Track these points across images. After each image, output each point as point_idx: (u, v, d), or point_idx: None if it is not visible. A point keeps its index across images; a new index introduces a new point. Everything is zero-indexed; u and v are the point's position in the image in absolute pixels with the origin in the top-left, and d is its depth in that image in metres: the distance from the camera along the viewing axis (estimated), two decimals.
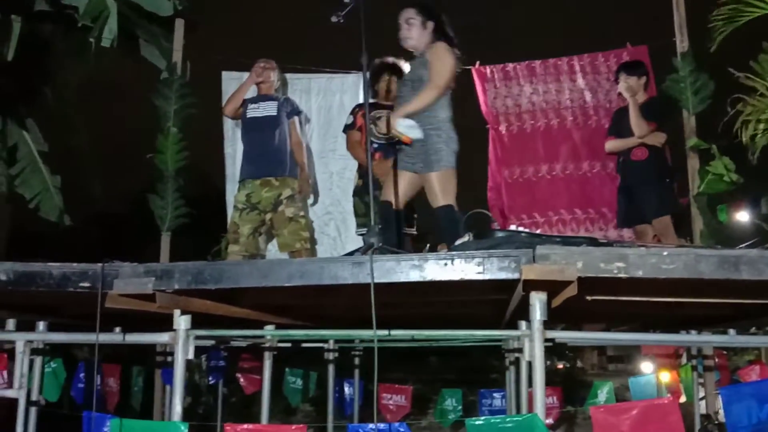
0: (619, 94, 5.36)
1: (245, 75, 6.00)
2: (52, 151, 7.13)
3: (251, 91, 5.67)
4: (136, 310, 2.73)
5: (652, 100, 5.30)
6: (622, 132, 5.23)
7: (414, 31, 4.19)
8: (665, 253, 2.40)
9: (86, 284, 2.61)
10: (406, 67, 5.15)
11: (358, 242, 5.59)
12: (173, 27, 6.15)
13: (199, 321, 2.86)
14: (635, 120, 5.09)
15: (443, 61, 4.08)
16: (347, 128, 5.37)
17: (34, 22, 6.59)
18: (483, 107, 6.10)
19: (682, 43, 5.54)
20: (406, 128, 3.95)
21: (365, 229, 5.07)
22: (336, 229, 6.07)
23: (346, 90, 6.22)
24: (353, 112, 5.40)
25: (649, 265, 2.38)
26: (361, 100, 5.99)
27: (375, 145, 5.05)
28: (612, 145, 5.33)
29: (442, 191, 4.00)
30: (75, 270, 2.64)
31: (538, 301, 2.51)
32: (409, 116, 3.99)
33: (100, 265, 2.59)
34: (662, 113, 5.20)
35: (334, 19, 3.53)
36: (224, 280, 2.54)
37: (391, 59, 5.25)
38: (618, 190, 5.34)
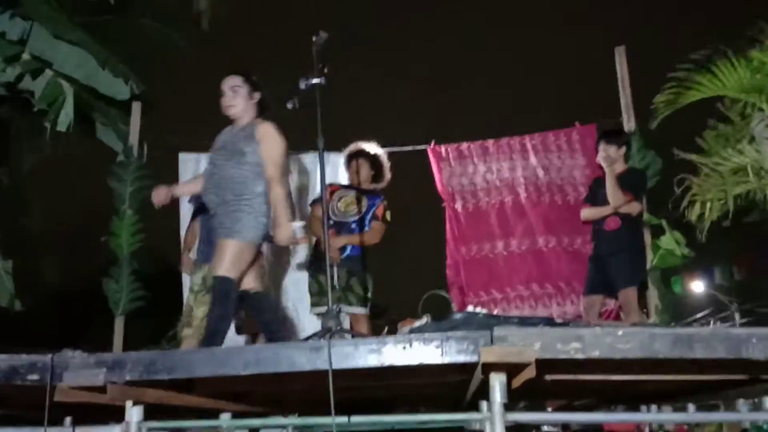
0: (598, 162, 5.33)
1: (202, 156, 6.04)
2: (6, 233, 6.99)
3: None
4: (88, 403, 2.64)
5: (630, 170, 5.31)
6: (598, 201, 5.25)
7: (239, 99, 4.16)
8: (620, 333, 2.42)
9: (35, 377, 2.52)
10: (375, 150, 5.31)
11: (314, 322, 5.55)
12: (130, 109, 6.18)
13: (153, 410, 2.77)
14: (611, 190, 5.09)
15: (277, 144, 4.09)
16: (313, 202, 5.43)
17: None
18: (439, 185, 6.19)
19: (629, 122, 5.73)
20: (299, 231, 4.03)
21: (319, 308, 5.09)
22: (294, 309, 6.02)
23: (302, 170, 6.27)
24: (323, 188, 5.46)
25: (605, 344, 2.40)
26: (317, 181, 6.07)
27: (331, 222, 5.10)
28: (587, 213, 5.35)
29: (230, 262, 3.90)
30: (23, 362, 2.55)
31: (498, 382, 2.50)
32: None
33: (49, 356, 2.51)
34: (638, 185, 5.22)
35: (289, 105, 3.60)
36: (178, 369, 2.48)
37: (364, 145, 5.38)
38: (589, 258, 5.35)
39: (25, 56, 6.07)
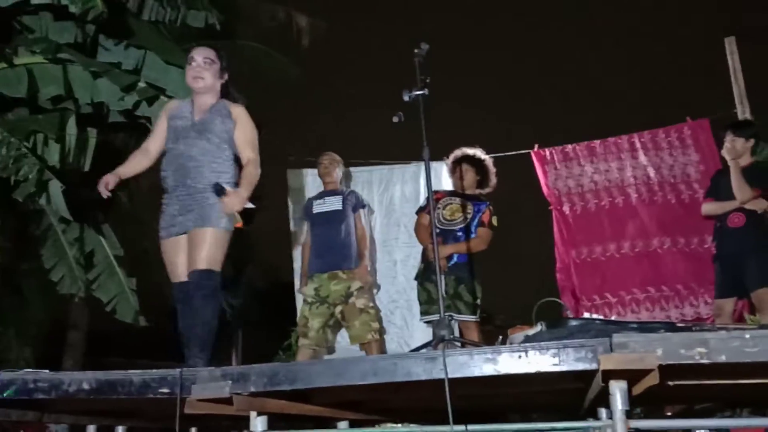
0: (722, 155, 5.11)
1: (309, 171, 6.21)
2: (127, 254, 7.38)
3: (317, 187, 5.85)
4: (213, 414, 2.76)
5: (756, 164, 5.01)
6: (721, 195, 4.99)
7: (209, 74, 3.78)
8: (747, 336, 2.32)
9: (165, 390, 2.66)
10: (481, 156, 5.31)
11: (424, 330, 5.58)
12: None
13: (273, 419, 2.87)
14: (738, 184, 4.83)
15: (252, 126, 3.80)
16: (419, 210, 5.47)
17: (108, 133, 6.95)
18: (545, 189, 6.11)
19: (743, 114, 5.49)
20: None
21: (429, 316, 5.12)
22: (402, 318, 6.08)
23: (407, 180, 6.34)
24: (427, 198, 5.51)
25: (731, 348, 2.30)
26: (421, 189, 6.13)
27: (437, 230, 5.11)
28: (709, 208, 5.08)
29: (212, 252, 3.56)
30: (154, 377, 2.70)
31: (618, 390, 2.44)
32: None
33: (178, 370, 2.64)
34: (765, 180, 4.91)
35: (395, 119, 3.63)
36: (299, 380, 2.56)
37: (469, 150, 5.38)
38: (714, 258, 5.07)
39: (141, 84, 6.39)
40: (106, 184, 3.74)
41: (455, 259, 5.10)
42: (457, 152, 5.44)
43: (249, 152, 3.72)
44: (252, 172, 3.67)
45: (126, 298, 7.08)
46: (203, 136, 3.69)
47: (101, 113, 6.56)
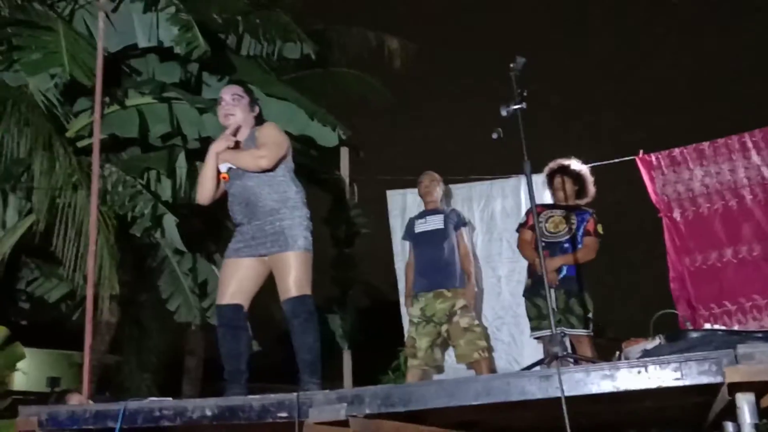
0: None
1: (408, 191, 6.25)
2: None
3: (417, 206, 5.89)
4: None
5: None
6: None
7: (239, 109, 3.82)
8: None
9: (284, 414, 2.73)
10: (577, 166, 5.22)
11: (533, 346, 5.48)
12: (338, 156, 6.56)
13: None
14: None
15: (271, 134, 3.76)
16: (520, 227, 5.41)
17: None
18: (653, 196, 5.89)
19: None
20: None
21: (539, 332, 5.03)
22: (509, 335, 5.98)
23: (507, 194, 6.26)
24: (527, 213, 5.45)
25: None
26: (522, 203, 6.05)
27: (543, 243, 5.04)
28: None
29: (304, 276, 3.59)
30: (272, 401, 2.78)
31: (746, 403, 2.33)
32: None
33: (295, 394, 2.71)
34: None
35: (494, 135, 3.62)
36: (412, 402, 2.57)
37: (564, 161, 5.30)
38: None
39: None
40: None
41: (564, 272, 4.99)
42: (553, 164, 5.36)
43: (263, 149, 3.71)
44: (256, 153, 3.69)
45: None
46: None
47: (208, 147, 6.85)
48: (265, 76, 7.23)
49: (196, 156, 6.75)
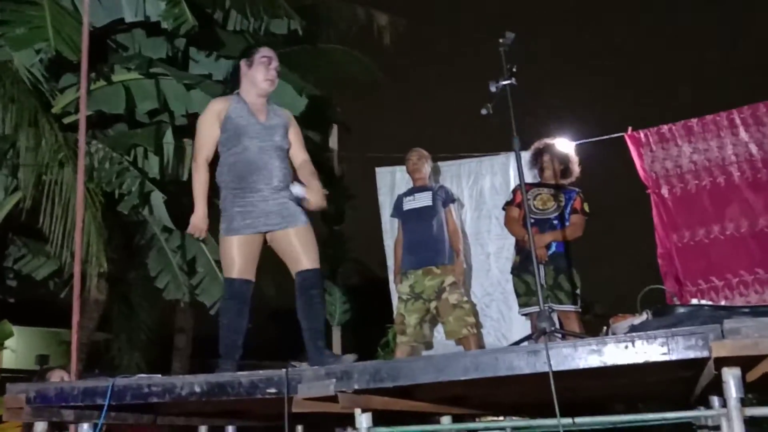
0: None
1: (398, 168, 6.24)
2: None
3: (406, 183, 5.88)
4: (317, 413, 2.81)
5: None
6: None
7: (275, 74, 3.82)
8: None
9: (273, 390, 2.73)
10: (563, 145, 5.23)
11: (521, 322, 5.52)
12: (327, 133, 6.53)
13: (377, 416, 2.90)
14: None
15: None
16: (507, 204, 5.41)
17: None
18: (641, 172, 5.90)
19: None
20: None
21: (528, 308, 5.05)
22: (498, 311, 6.01)
23: (496, 171, 6.27)
24: (514, 190, 5.46)
25: None
26: (511, 180, 6.06)
27: (532, 220, 5.06)
28: None
29: (316, 250, 3.68)
30: (261, 377, 2.78)
31: (732, 377, 2.35)
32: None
33: (284, 370, 2.71)
34: None
35: (483, 111, 3.60)
36: (401, 377, 2.58)
37: (550, 140, 5.32)
38: None
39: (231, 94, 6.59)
40: (201, 231, 3.71)
41: (553, 248, 5.01)
42: (538, 143, 5.38)
43: (304, 153, 3.86)
44: (313, 169, 3.80)
45: None
46: (272, 137, 3.71)
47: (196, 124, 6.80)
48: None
49: (184, 132, 6.70)
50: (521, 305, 5.14)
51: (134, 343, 10.13)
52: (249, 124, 3.69)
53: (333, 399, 2.67)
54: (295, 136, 3.85)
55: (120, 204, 6.44)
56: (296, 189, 3.69)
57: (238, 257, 3.64)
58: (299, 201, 3.68)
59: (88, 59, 4.84)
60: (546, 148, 5.33)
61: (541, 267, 4.86)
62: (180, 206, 6.80)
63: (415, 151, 5.66)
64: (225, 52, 7.02)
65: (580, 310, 5.05)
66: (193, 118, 6.55)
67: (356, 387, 2.64)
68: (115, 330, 10.21)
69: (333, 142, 6.42)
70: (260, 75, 3.76)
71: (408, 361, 2.88)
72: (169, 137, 6.56)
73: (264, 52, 3.80)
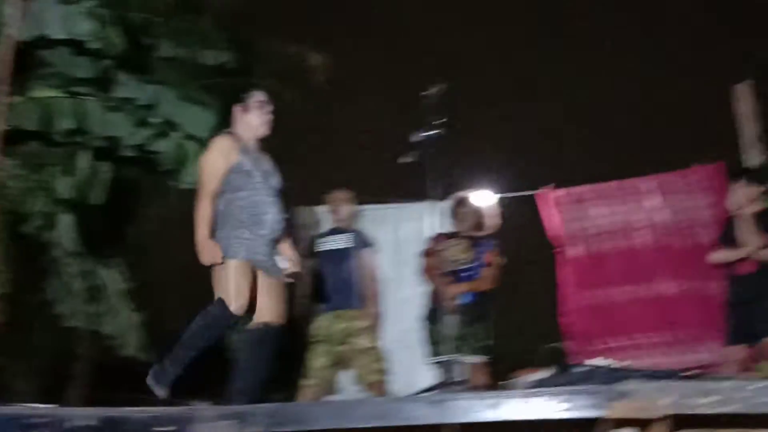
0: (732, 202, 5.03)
1: (322, 209, 6.22)
2: (135, 288, 7.38)
3: (329, 224, 5.87)
4: None
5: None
6: (731, 242, 4.95)
7: (270, 117, 3.93)
8: (760, 385, 2.29)
9: (170, 428, 2.63)
10: (482, 198, 5.34)
11: (430, 371, 5.52)
12: None
13: None
14: (749, 232, 4.82)
15: None
16: (423, 253, 5.46)
17: (120, 167, 7.00)
18: (552, 231, 6.06)
19: (752, 160, 5.48)
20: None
21: (436, 358, 5.08)
22: (408, 359, 5.99)
23: (416, 219, 6.29)
24: (431, 240, 5.52)
25: (742, 399, 2.27)
26: (430, 229, 6.11)
27: (446, 270, 5.15)
28: (719, 255, 5.03)
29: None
30: (159, 414, 2.68)
31: None
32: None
33: (182, 408, 2.62)
34: None
35: (404, 160, 3.65)
36: (303, 421, 2.54)
37: (469, 192, 5.44)
38: (727, 305, 5.00)
39: (154, 119, 6.44)
40: (216, 253, 3.65)
41: (464, 299, 5.08)
42: (458, 194, 5.48)
43: None
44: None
45: (132, 333, 7.06)
46: (269, 181, 3.81)
47: (114, 148, 6.61)
48: (181, 79, 7.06)
49: (101, 155, 6.52)
50: (430, 354, 5.16)
51: (31, 370, 9.64)
52: (252, 168, 3.75)
53: None
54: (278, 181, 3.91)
55: (24, 224, 6.18)
56: (282, 263, 3.78)
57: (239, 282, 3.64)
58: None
59: (9, 73, 4.66)
60: (464, 200, 5.44)
61: (452, 317, 4.91)
62: (89, 231, 6.59)
63: (336, 193, 5.67)
64: (152, 77, 6.90)
65: (487, 361, 5.11)
66: (112, 141, 6.38)
67: (257, 429, 2.58)
68: (10, 355, 9.70)
69: None
70: (256, 120, 3.85)
71: (310, 405, 2.85)
72: (84, 159, 6.36)
73: (258, 97, 3.91)
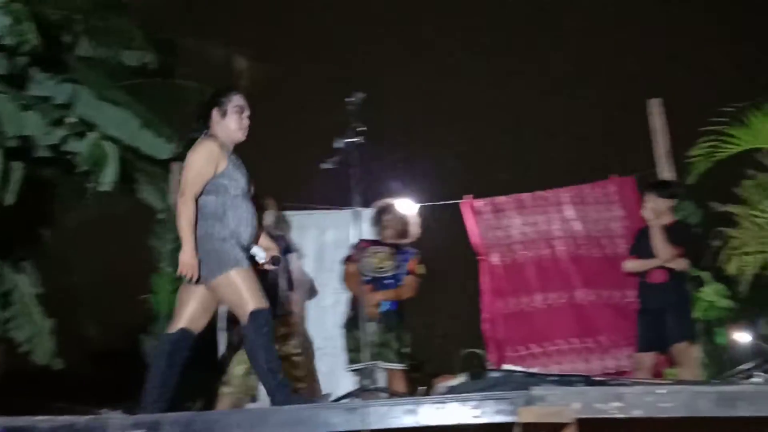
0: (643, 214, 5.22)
1: None
2: (48, 292, 7.13)
3: None
4: None
5: (678, 224, 5.18)
6: (643, 252, 5.14)
7: (247, 123, 3.89)
8: (663, 391, 2.38)
9: None
10: (404, 207, 5.37)
11: (350, 378, 5.51)
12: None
13: None
14: (660, 243, 4.99)
15: None
16: (345, 260, 5.45)
17: (35, 168, 6.76)
18: (474, 239, 6.16)
19: (664, 173, 5.67)
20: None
21: (356, 365, 5.07)
22: (328, 366, 5.97)
23: (339, 226, 6.29)
24: (353, 247, 5.50)
25: (646, 403, 2.35)
26: (353, 236, 6.10)
27: (368, 278, 5.16)
28: (631, 265, 5.24)
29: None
30: (63, 423, 2.59)
31: None
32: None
33: (88, 417, 2.54)
34: (687, 239, 5.07)
35: (326, 165, 3.65)
36: (215, 430, 2.50)
37: (392, 200, 5.45)
38: (637, 313, 5.20)
39: (71, 119, 6.26)
40: (193, 268, 3.58)
41: (386, 306, 5.10)
42: (381, 202, 5.50)
43: None
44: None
45: (43, 340, 6.82)
46: (246, 183, 3.82)
47: (28, 147, 6.38)
48: (100, 79, 6.88)
49: (14, 155, 6.28)
50: (350, 361, 5.15)
51: None
52: (241, 176, 3.77)
53: None
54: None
55: None
56: (258, 253, 3.76)
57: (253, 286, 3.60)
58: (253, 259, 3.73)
59: None
60: (388, 207, 5.46)
61: (372, 324, 4.92)
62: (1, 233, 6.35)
63: (261, 197, 5.61)
64: (70, 76, 6.69)
65: (407, 369, 5.14)
66: (25, 141, 6.15)
67: None
68: None
69: (174, 180, 6.21)
70: (233, 125, 3.80)
71: (222, 414, 2.81)
72: None
73: (236, 101, 3.82)
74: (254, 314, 3.55)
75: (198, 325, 3.69)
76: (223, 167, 3.70)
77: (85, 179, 6.65)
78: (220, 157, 3.70)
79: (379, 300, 5.08)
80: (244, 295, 3.55)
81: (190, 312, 3.65)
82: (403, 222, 5.42)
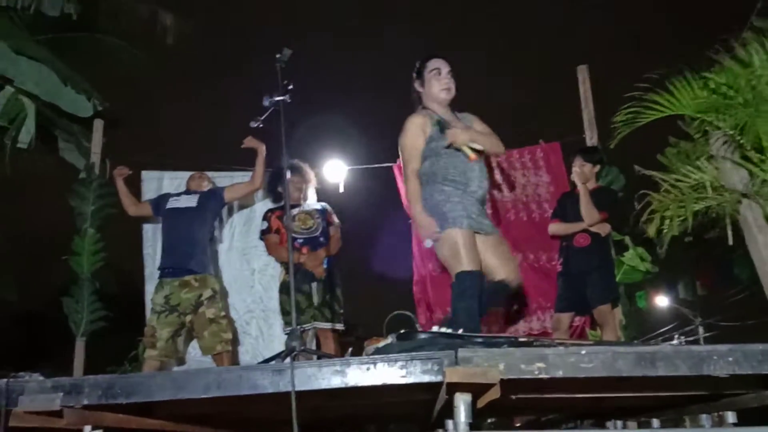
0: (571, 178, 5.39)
1: (165, 174, 5.99)
2: None
3: (179, 186, 5.68)
4: (44, 428, 2.57)
5: (602, 189, 5.34)
6: (567, 216, 5.27)
7: (449, 80, 3.99)
8: (584, 352, 2.43)
9: None
10: (300, 165, 5.35)
11: (282, 340, 5.50)
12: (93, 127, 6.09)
13: None
14: (586, 207, 5.11)
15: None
16: (263, 233, 5.40)
17: None
18: (404, 202, 6.16)
19: (591, 139, 5.79)
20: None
21: (291, 327, 5.04)
22: (258, 329, 5.93)
23: (265, 187, 6.21)
24: (266, 218, 5.45)
25: (568, 364, 2.40)
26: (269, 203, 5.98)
27: (300, 240, 5.13)
28: (556, 228, 5.37)
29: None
30: None
31: (462, 402, 2.48)
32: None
33: (4, 380, 2.44)
34: (611, 203, 5.22)
35: (253, 124, 3.57)
36: (136, 393, 2.43)
37: (296, 161, 5.39)
38: (558, 274, 5.36)
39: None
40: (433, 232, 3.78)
41: (326, 264, 5.09)
42: (290, 163, 5.46)
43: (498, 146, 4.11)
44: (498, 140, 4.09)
45: None
46: None
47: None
48: (17, 31, 6.55)
49: None
50: (286, 323, 5.12)
51: None
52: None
53: (59, 414, 2.46)
54: (482, 128, 4.04)
55: None
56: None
57: (469, 248, 3.70)
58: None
59: None
60: (296, 167, 5.40)
61: (314, 284, 4.94)
62: None
63: (196, 174, 5.57)
64: None
65: (340, 329, 5.14)
66: None
67: (86, 402, 2.44)
68: None
69: (97, 138, 6.00)
70: (435, 88, 3.95)
71: (145, 377, 2.73)
72: None
73: (431, 65, 3.97)
74: (460, 276, 3.73)
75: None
76: (429, 134, 3.87)
77: (1, 136, 6.37)
78: (425, 127, 3.88)
79: (322, 258, 5.07)
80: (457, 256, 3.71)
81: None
82: (305, 180, 5.42)
